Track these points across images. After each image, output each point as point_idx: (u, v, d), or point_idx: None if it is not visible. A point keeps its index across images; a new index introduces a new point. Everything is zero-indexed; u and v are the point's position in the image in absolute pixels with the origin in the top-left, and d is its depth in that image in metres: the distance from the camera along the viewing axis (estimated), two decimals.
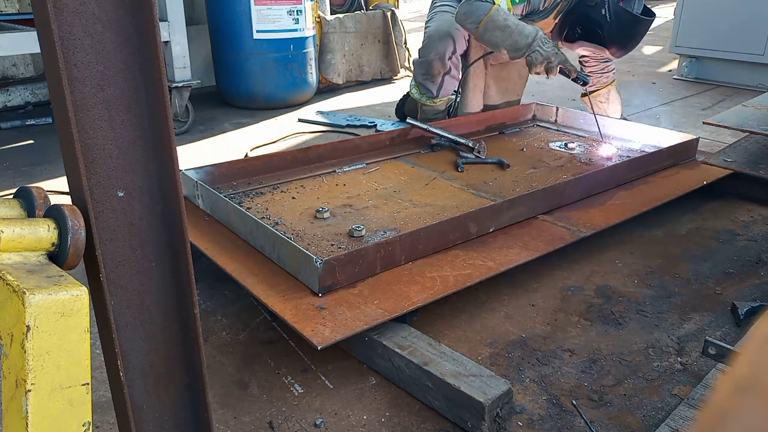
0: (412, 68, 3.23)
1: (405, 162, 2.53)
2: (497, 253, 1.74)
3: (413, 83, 3.14)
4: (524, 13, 2.71)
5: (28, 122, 3.43)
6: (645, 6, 2.59)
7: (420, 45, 3.04)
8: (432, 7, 3.09)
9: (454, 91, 3.09)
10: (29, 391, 0.57)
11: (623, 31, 2.56)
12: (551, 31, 2.77)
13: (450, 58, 2.92)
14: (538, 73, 2.61)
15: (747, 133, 2.46)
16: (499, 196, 2.14)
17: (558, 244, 1.81)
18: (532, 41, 2.51)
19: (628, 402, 1.35)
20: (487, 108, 3.16)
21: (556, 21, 2.74)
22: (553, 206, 2.03)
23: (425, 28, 3.03)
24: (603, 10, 2.51)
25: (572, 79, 2.65)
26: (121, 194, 0.68)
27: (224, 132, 3.41)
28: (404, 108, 3.46)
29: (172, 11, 3.12)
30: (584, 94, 3.04)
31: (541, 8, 2.70)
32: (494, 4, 2.57)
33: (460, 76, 3.05)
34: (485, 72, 3.10)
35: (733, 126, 2.31)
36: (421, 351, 1.36)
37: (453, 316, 1.66)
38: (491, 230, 1.85)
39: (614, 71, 3.02)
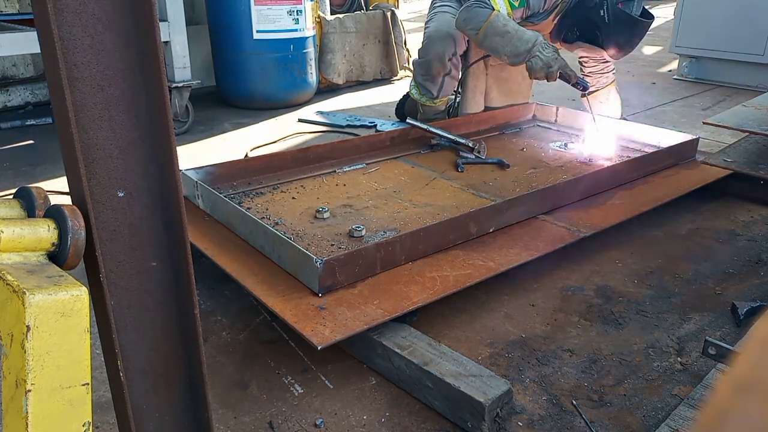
0: (412, 69, 3.22)
1: (405, 162, 2.53)
2: (497, 253, 1.74)
3: (413, 84, 3.14)
4: (524, 16, 2.70)
5: (28, 122, 3.43)
6: (644, 8, 2.59)
7: (420, 45, 3.04)
8: (432, 8, 3.08)
9: (454, 91, 3.09)
10: (29, 391, 0.57)
11: (622, 33, 2.56)
12: (550, 33, 2.77)
13: (450, 59, 2.92)
14: (538, 78, 2.62)
15: (747, 133, 2.46)
16: (499, 196, 2.14)
17: (558, 244, 1.81)
18: (531, 47, 2.51)
19: (628, 402, 1.35)
20: (489, 110, 3.15)
21: (555, 22, 2.74)
22: (553, 206, 2.03)
23: (425, 28, 3.03)
24: (602, 12, 2.51)
25: (572, 84, 2.65)
26: (121, 194, 0.68)
27: (224, 132, 3.41)
28: (404, 108, 3.46)
29: (172, 11, 3.12)
30: (584, 95, 3.04)
31: (540, 11, 2.70)
32: (494, 9, 2.57)
33: (460, 77, 3.05)
34: (486, 73, 3.09)
35: (733, 126, 2.31)
36: (421, 351, 1.36)
37: (453, 316, 1.66)
38: (491, 230, 1.85)
39: (614, 72, 3.02)
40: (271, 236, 1.61)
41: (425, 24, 3.05)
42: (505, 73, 3.11)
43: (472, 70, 3.03)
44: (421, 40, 3.04)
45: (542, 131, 3.06)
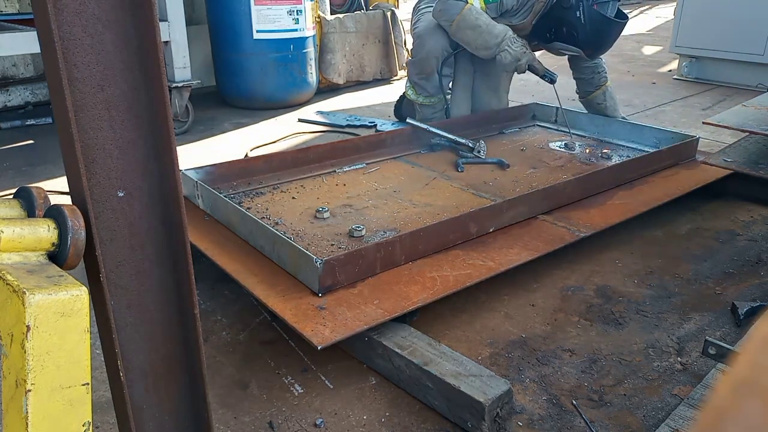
0: (407, 69, 3.23)
1: (405, 162, 2.53)
2: (497, 253, 1.74)
3: (408, 85, 3.14)
4: (498, 13, 2.78)
5: (28, 122, 3.42)
6: (619, 9, 2.64)
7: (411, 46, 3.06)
8: (416, 11, 3.11)
9: (449, 89, 3.10)
10: (29, 391, 0.57)
11: (597, 33, 2.63)
12: (528, 34, 2.80)
13: (442, 55, 2.93)
14: (507, 71, 2.78)
15: (747, 133, 2.46)
16: (499, 196, 2.14)
17: (558, 244, 1.81)
18: (501, 41, 2.66)
19: (628, 402, 1.35)
20: (477, 109, 3.17)
21: (533, 23, 2.77)
22: (553, 206, 2.03)
23: (413, 30, 3.05)
24: (578, 13, 2.58)
25: (540, 77, 2.76)
26: (121, 194, 0.68)
27: (224, 132, 3.41)
28: (402, 109, 3.47)
29: (172, 11, 3.12)
30: (582, 98, 3.06)
31: (515, 7, 2.75)
32: (467, 3, 2.68)
33: (453, 73, 3.06)
34: (473, 70, 3.10)
35: (733, 126, 2.31)
36: (421, 351, 1.36)
37: (453, 316, 1.66)
38: (491, 230, 1.85)
39: (605, 72, 3.03)
40: (271, 236, 1.61)
41: (413, 26, 3.07)
42: (491, 68, 3.13)
43: (460, 68, 3.05)
44: (411, 42, 3.07)
45: (542, 131, 3.06)
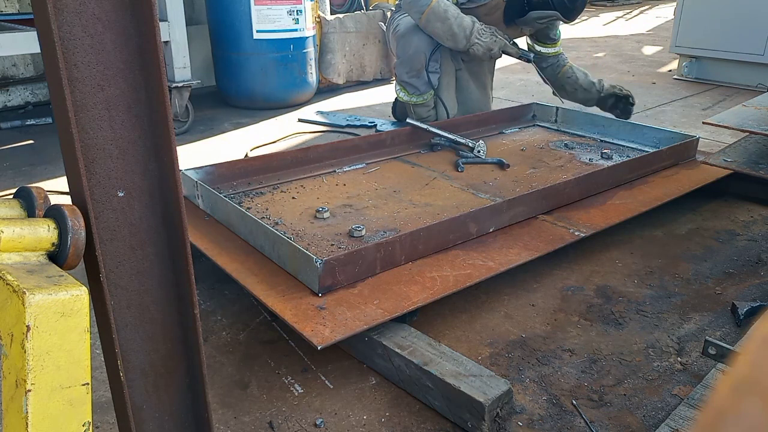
0: (395, 71, 3.24)
1: (405, 162, 2.53)
2: (497, 253, 1.74)
3: (399, 87, 3.13)
4: None
5: (28, 122, 3.42)
6: None
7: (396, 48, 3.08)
8: (392, 21, 3.15)
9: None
10: (29, 391, 0.57)
11: None
12: (503, 10, 2.83)
13: (429, 51, 2.93)
14: (483, 61, 2.91)
15: (747, 133, 2.46)
16: (499, 196, 2.14)
17: (558, 244, 1.81)
18: (470, 34, 2.75)
19: (628, 402, 1.35)
20: (468, 108, 3.18)
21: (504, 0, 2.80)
22: (553, 206, 2.03)
23: (395, 34, 3.04)
24: None
25: (517, 58, 2.89)
26: (121, 194, 0.68)
27: (224, 132, 3.41)
28: (397, 110, 3.47)
29: (172, 11, 3.12)
30: (552, 81, 3.19)
31: None
32: None
33: (440, 67, 3.07)
34: (455, 68, 3.11)
35: (733, 126, 2.31)
36: (421, 351, 1.36)
37: (453, 316, 1.66)
38: (491, 230, 1.85)
39: (567, 58, 3.18)
40: (271, 236, 1.61)
41: (394, 29, 3.07)
42: (477, 66, 3.15)
43: (443, 68, 3.05)
44: (394, 46, 3.07)
45: (542, 131, 3.06)
